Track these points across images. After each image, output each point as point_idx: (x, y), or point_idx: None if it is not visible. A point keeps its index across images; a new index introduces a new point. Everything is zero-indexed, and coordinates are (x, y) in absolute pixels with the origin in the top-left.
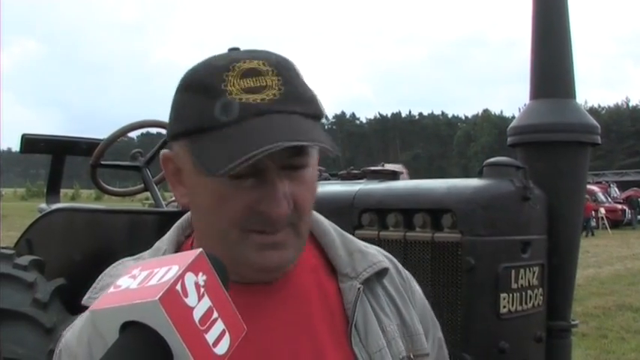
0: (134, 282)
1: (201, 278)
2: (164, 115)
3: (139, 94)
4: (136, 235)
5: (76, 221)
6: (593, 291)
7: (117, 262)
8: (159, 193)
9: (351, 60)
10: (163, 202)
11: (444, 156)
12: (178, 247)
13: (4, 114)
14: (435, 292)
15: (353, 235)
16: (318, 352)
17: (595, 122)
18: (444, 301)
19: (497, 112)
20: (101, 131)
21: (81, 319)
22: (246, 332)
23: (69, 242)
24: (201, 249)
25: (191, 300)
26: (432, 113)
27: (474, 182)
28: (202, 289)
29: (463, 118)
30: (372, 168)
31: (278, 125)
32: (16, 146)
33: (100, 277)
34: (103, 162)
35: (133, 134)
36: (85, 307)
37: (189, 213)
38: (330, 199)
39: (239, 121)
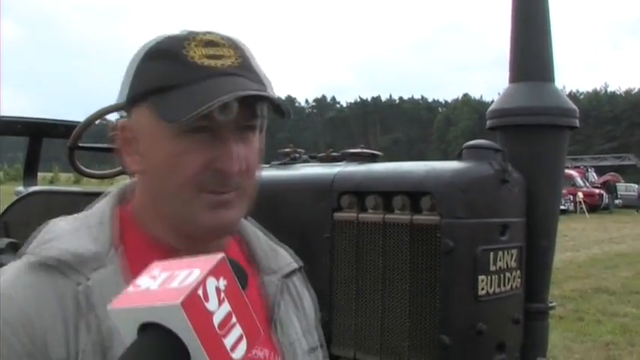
0: (154, 283)
1: (222, 283)
2: None
3: (118, 79)
4: None
5: (53, 204)
6: (570, 274)
7: (49, 223)
8: None
9: (331, 44)
10: None
11: (423, 140)
12: (113, 211)
13: None
14: (413, 275)
15: (332, 217)
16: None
17: (573, 105)
18: (423, 283)
19: (477, 97)
20: (80, 115)
21: (25, 272)
22: None
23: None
24: (222, 254)
25: (212, 305)
26: (412, 98)
27: (453, 165)
28: (223, 294)
29: (443, 102)
30: (352, 150)
31: (237, 83)
32: None
33: (42, 233)
34: (81, 144)
35: (111, 117)
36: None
37: (123, 183)
38: (309, 181)
39: (200, 80)
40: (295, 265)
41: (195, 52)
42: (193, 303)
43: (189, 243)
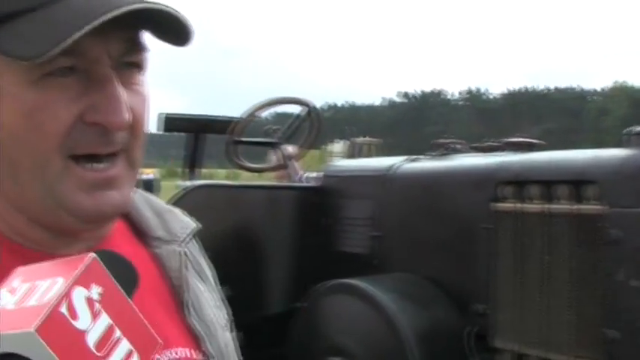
0: (12, 299)
1: (96, 291)
2: (296, 94)
3: (272, 76)
4: (274, 210)
5: (215, 197)
6: None
7: None
8: (297, 169)
9: (479, 35)
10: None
11: (576, 130)
12: None
13: None
14: (577, 266)
15: (491, 208)
16: (160, 331)
17: None
18: (587, 275)
19: (633, 84)
20: (232, 112)
21: None
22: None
23: (209, 217)
24: (92, 254)
25: (82, 322)
26: (564, 87)
27: (619, 152)
28: (97, 305)
29: (597, 90)
30: (511, 139)
31: None
32: (153, 128)
33: None
34: (240, 139)
35: (266, 113)
36: None
37: None
38: (467, 171)
39: None
40: (193, 225)
41: None
42: (54, 325)
43: (60, 239)
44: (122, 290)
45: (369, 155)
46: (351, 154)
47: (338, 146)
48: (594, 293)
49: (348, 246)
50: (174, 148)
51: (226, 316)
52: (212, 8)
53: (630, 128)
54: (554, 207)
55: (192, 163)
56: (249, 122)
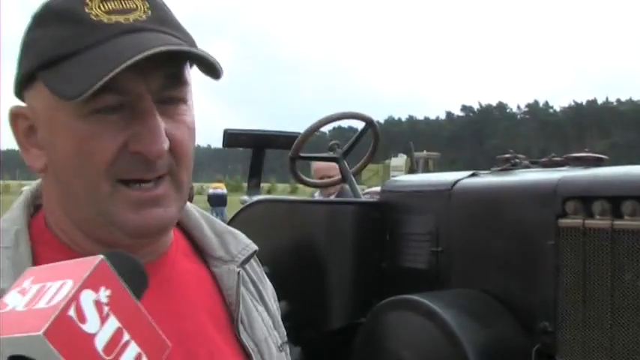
0: (22, 300)
1: (104, 294)
2: (355, 107)
3: (329, 91)
4: (334, 225)
5: (276, 212)
6: None
7: None
8: (356, 184)
9: (542, 47)
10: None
11: None
12: (28, 224)
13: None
14: None
15: (556, 223)
16: (208, 344)
17: None
18: None
19: None
20: (295, 127)
21: None
22: None
23: (270, 232)
24: (101, 256)
25: (91, 325)
26: (631, 99)
27: None
28: (106, 308)
29: None
30: (575, 154)
31: (148, 39)
32: (214, 143)
33: None
34: (301, 154)
35: (325, 129)
36: None
37: (35, 183)
38: (532, 186)
39: (103, 41)
40: (254, 247)
41: (96, 8)
42: (63, 328)
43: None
44: (131, 293)
45: (427, 169)
46: (412, 168)
47: (397, 160)
48: None
49: (409, 261)
50: (239, 162)
51: (284, 336)
52: (271, 20)
53: None
54: (621, 223)
55: (253, 177)
56: (308, 137)
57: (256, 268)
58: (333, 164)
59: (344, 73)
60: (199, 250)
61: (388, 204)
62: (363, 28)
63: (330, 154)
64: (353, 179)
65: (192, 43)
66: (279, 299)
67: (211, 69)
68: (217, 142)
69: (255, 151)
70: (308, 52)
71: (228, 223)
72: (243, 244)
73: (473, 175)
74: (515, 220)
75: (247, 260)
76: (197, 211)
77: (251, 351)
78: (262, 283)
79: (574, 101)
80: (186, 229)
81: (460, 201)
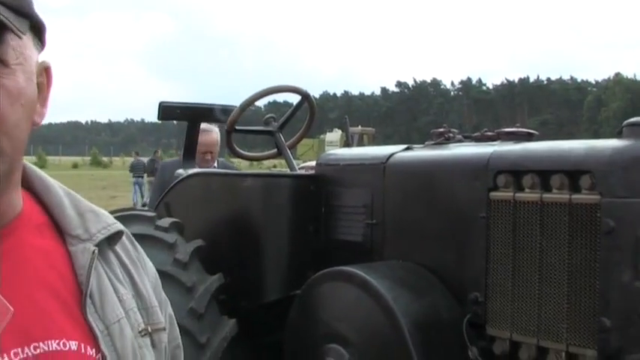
0: None
1: None
2: (292, 83)
3: (265, 67)
4: (270, 198)
5: (211, 185)
6: None
7: None
8: (292, 158)
9: (477, 25)
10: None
11: (573, 122)
12: None
13: (139, 86)
14: (571, 255)
15: (488, 197)
16: (45, 322)
17: None
18: (582, 264)
19: (630, 76)
20: (233, 102)
21: None
22: None
23: (205, 205)
24: None
25: None
26: (561, 78)
27: (613, 143)
28: None
29: (593, 82)
30: (507, 129)
31: None
32: (149, 117)
33: None
34: (237, 127)
35: (261, 103)
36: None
37: None
38: (465, 161)
39: None
40: (118, 227)
41: None
42: None
43: None
44: None
45: (362, 145)
46: (347, 143)
47: (332, 135)
48: (589, 282)
49: (344, 234)
50: (173, 136)
51: (157, 323)
52: None
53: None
54: (549, 196)
55: (188, 150)
56: (244, 110)
57: (130, 251)
58: (215, 139)
59: (280, 49)
60: (60, 228)
61: (323, 177)
62: (299, 4)
63: (266, 128)
64: (289, 152)
65: (23, 7)
66: (214, 272)
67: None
68: (152, 117)
69: (190, 124)
70: (244, 28)
71: (163, 197)
72: (104, 223)
73: (407, 149)
74: (448, 193)
75: (111, 240)
76: (62, 189)
77: (98, 332)
78: (137, 266)
79: (506, 79)
80: (48, 206)
81: (394, 174)
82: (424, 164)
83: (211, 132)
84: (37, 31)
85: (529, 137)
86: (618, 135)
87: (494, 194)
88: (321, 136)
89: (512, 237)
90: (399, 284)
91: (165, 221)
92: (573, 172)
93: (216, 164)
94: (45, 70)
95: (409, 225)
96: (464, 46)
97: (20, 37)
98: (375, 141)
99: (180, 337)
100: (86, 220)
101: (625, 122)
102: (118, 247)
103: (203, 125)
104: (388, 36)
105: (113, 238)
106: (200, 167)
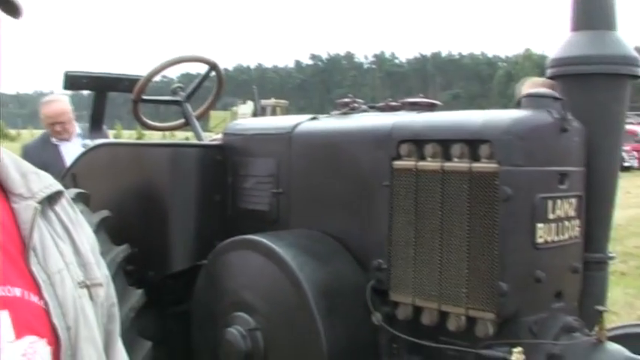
0: None
1: None
2: (203, 52)
3: (178, 39)
4: (177, 167)
5: (119, 155)
6: (633, 231)
7: None
8: (199, 128)
9: (392, 1)
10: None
11: (484, 95)
12: None
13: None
14: (471, 222)
15: (391, 166)
16: None
17: (635, 54)
18: (481, 230)
19: (539, 52)
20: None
21: None
22: None
23: (112, 176)
24: None
25: None
26: (473, 53)
27: (512, 113)
28: None
29: (504, 57)
30: (410, 99)
31: None
32: (57, 88)
33: None
34: (144, 97)
35: (173, 75)
36: None
37: None
38: (368, 130)
39: None
40: (57, 188)
41: None
42: None
43: None
44: None
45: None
46: (255, 113)
47: (245, 107)
48: (487, 248)
49: (250, 203)
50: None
51: (94, 279)
52: None
53: (527, 91)
54: (450, 165)
55: (95, 121)
56: (150, 79)
57: (70, 213)
58: (59, 109)
59: (194, 21)
60: (4, 188)
61: (230, 147)
62: None
63: (173, 98)
64: (196, 122)
65: None
66: (121, 242)
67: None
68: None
69: (97, 94)
70: None
71: (69, 168)
72: (46, 183)
73: (313, 118)
74: (353, 162)
75: (52, 200)
76: (5, 152)
77: (41, 281)
78: (75, 227)
79: (420, 53)
80: None
81: (300, 144)
82: (329, 134)
83: (53, 102)
84: None
85: (432, 107)
86: (517, 106)
87: (397, 163)
88: (234, 108)
89: (415, 205)
90: (304, 252)
91: (71, 192)
92: (473, 142)
93: (80, 139)
94: None
95: (314, 194)
96: (377, 21)
97: None
98: (288, 113)
99: (115, 296)
100: (29, 180)
101: (523, 93)
102: (58, 208)
103: (48, 97)
104: (301, 9)
105: (54, 198)
106: (57, 140)
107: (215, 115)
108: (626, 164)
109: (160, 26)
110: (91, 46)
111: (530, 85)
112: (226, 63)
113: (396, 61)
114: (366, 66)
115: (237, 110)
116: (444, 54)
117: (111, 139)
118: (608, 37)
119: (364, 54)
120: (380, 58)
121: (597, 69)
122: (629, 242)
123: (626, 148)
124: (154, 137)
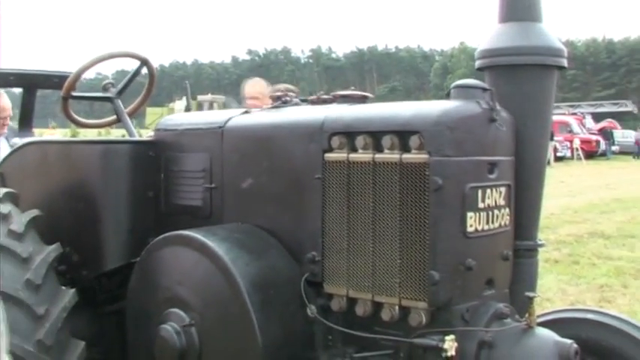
0: None
1: None
2: (138, 49)
3: (110, 35)
4: (108, 164)
5: (48, 153)
6: (566, 219)
7: None
8: (131, 124)
9: None
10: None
11: (421, 88)
12: None
13: None
14: (403, 213)
15: (323, 158)
16: None
17: (561, 45)
18: (413, 221)
19: (474, 46)
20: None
21: None
22: None
23: (42, 174)
24: None
25: None
26: (409, 46)
27: (441, 104)
28: None
29: (440, 51)
30: (342, 92)
31: None
32: None
33: None
34: (74, 94)
35: (108, 71)
36: None
37: None
38: (300, 123)
39: None
40: None
41: None
42: None
43: None
44: None
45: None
46: (187, 108)
47: (181, 103)
48: (419, 238)
49: (183, 199)
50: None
51: None
52: None
53: (456, 82)
54: (382, 156)
55: (24, 119)
56: (79, 77)
57: None
58: (6, 105)
59: (128, 17)
60: None
61: (162, 142)
62: None
63: (104, 94)
64: (127, 119)
65: None
66: (52, 242)
67: None
68: None
69: (25, 91)
70: None
71: None
72: None
73: (245, 112)
74: (285, 155)
75: None
76: None
77: None
78: None
79: (357, 47)
80: None
81: (232, 138)
82: (261, 127)
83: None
84: None
85: (363, 100)
86: (446, 97)
87: (328, 155)
88: (170, 105)
89: (347, 197)
90: (237, 246)
91: None
92: (403, 133)
93: (4, 139)
94: None
95: (247, 188)
96: (314, 15)
97: None
98: (225, 108)
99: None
100: None
101: (452, 84)
102: None
103: None
104: (239, 5)
105: None
106: None
107: (152, 112)
108: (559, 154)
109: (95, 22)
110: (22, 42)
111: (252, 84)
112: (162, 59)
113: (333, 55)
114: (303, 60)
115: (174, 106)
116: (380, 48)
117: (40, 137)
118: (535, 29)
119: (301, 48)
120: (317, 53)
121: (524, 60)
122: (562, 230)
123: (559, 138)
124: (88, 135)
